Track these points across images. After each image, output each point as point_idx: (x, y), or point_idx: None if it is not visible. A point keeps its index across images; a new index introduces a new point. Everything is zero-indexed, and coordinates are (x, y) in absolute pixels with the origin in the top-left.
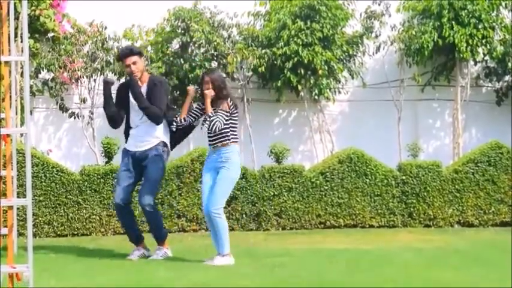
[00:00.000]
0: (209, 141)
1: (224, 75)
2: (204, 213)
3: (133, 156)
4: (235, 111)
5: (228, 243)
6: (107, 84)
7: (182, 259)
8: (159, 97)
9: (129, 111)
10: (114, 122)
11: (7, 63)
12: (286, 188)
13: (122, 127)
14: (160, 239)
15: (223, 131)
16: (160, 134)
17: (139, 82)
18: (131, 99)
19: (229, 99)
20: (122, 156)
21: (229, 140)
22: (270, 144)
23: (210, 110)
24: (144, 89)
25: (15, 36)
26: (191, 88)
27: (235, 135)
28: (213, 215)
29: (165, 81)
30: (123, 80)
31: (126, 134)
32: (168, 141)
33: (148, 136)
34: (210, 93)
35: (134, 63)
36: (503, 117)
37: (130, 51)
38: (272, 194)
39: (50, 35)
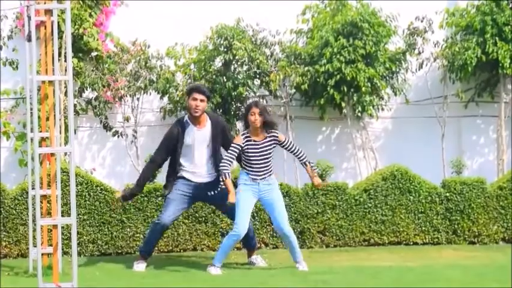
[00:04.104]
0: (256, 172)
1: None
2: (240, 234)
3: (197, 187)
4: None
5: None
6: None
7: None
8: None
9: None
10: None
11: (51, 82)
12: (329, 206)
13: None
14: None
15: (271, 163)
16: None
17: (194, 121)
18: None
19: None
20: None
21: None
22: (313, 162)
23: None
24: (208, 130)
25: (59, 55)
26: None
27: None
28: (290, 232)
29: (226, 125)
30: (165, 99)
31: (173, 173)
32: None
33: (213, 170)
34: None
35: (202, 100)
36: None
37: (204, 90)
38: (316, 211)
39: (94, 54)
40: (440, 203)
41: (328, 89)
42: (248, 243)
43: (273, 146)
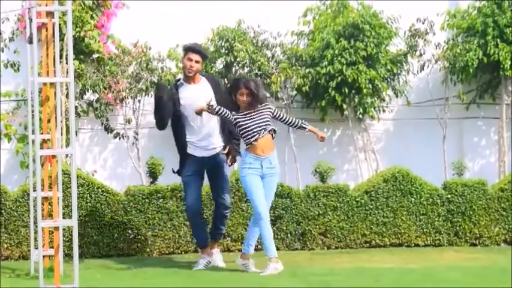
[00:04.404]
0: (254, 142)
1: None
2: (263, 217)
3: (203, 160)
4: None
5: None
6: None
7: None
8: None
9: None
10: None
11: (52, 84)
12: (331, 207)
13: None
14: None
15: (270, 129)
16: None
17: (188, 80)
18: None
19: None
20: (189, 163)
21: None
22: (314, 163)
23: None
24: (206, 87)
25: (61, 57)
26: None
27: None
28: (268, 220)
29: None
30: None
31: (183, 141)
32: None
33: (216, 139)
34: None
35: (197, 62)
36: None
37: (201, 51)
38: (317, 213)
39: (95, 56)
40: (441, 205)
41: (330, 90)
42: (212, 232)
43: (268, 114)
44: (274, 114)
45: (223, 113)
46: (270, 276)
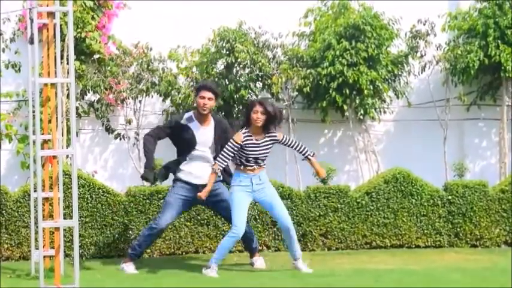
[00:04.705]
0: (251, 167)
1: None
2: (238, 234)
3: (195, 190)
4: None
5: None
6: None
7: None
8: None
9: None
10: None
11: (53, 85)
12: (331, 208)
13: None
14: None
15: (265, 161)
16: None
17: (200, 119)
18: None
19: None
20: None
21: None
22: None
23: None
24: (211, 130)
25: (61, 58)
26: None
27: None
28: (292, 224)
29: (229, 126)
30: (168, 101)
31: (175, 165)
32: None
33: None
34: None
35: (210, 99)
36: None
37: (212, 88)
38: (318, 214)
39: (96, 56)
40: (442, 206)
41: (330, 91)
42: (249, 246)
43: (271, 146)
44: (282, 141)
45: (223, 165)
46: (269, 278)
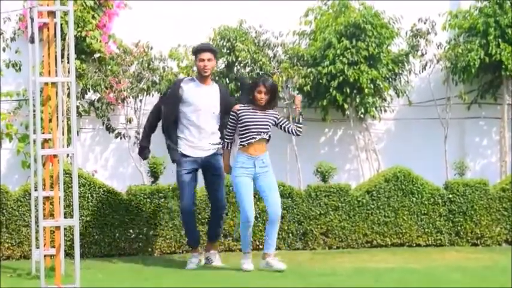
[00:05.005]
0: (251, 141)
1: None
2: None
3: (198, 160)
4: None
5: None
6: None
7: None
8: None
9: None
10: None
11: (54, 84)
12: (332, 207)
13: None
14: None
15: (267, 135)
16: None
17: (202, 80)
18: (204, 104)
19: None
20: (184, 162)
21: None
22: (316, 163)
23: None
24: (216, 92)
25: (62, 57)
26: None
27: None
28: (278, 217)
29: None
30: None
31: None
32: None
33: (214, 139)
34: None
35: (209, 60)
36: None
37: (210, 48)
38: (318, 213)
39: (96, 55)
40: (443, 205)
41: (331, 90)
42: (209, 233)
43: (272, 119)
44: (279, 121)
45: (231, 139)
46: (270, 277)
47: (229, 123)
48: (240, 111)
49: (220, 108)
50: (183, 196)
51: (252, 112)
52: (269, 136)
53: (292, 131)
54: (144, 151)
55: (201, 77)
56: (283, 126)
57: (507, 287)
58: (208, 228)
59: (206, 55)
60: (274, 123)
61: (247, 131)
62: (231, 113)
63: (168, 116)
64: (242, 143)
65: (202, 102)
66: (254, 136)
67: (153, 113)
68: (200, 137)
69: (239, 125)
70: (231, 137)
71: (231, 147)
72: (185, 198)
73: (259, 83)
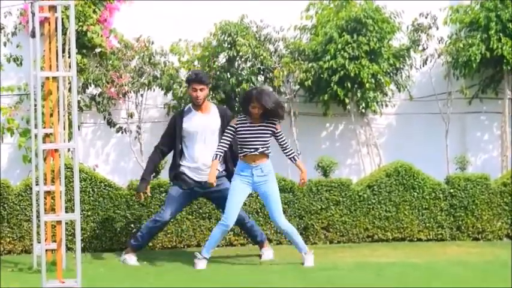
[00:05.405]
0: (248, 153)
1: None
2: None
3: (198, 184)
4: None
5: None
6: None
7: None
8: None
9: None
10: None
11: (55, 78)
12: (333, 202)
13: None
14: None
15: (266, 146)
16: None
17: (197, 108)
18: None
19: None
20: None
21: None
22: (317, 158)
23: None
24: (215, 117)
25: (63, 51)
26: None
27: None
28: (285, 224)
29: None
30: (169, 95)
31: (176, 166)
32: None
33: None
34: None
35: (202, 89)
36: None
37: (202, 79)
38: (319, 207)
39: (97, 50)
40: (444, 199)
41: (332, 85)
42: (254, 239)
43: (269, 130)
44: (276, 133)
45: (222, 151)
46: (271, 272)
47: (225, 135)
48: (237, 126)
49: (222, 130)
50: (170, 208)
51: (248, 125)
52: (269, 151)
53: (288, 154)
54: (143, 184)
55: (196, 106)
56: (281, 143)
57: (507, 283)
58: (250, 237)
59: (198, 86)
60: (272, 133)
61: (243, 146)
62: (228, 127)
63: (172, 147)
64: (240, 153)
65: (199, 129)
66: (251, 151)
67: (160, 144)
68: (199, 160)
69: (237, 138)
70: (222, 150)
71: (220, 159)
72: (170, 212)
73: (253, 97)
